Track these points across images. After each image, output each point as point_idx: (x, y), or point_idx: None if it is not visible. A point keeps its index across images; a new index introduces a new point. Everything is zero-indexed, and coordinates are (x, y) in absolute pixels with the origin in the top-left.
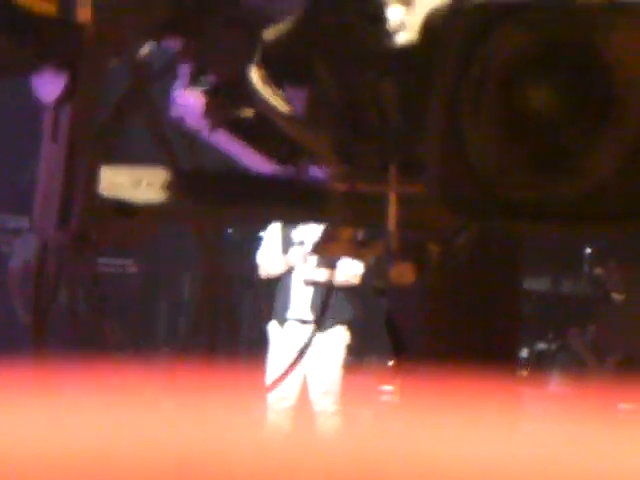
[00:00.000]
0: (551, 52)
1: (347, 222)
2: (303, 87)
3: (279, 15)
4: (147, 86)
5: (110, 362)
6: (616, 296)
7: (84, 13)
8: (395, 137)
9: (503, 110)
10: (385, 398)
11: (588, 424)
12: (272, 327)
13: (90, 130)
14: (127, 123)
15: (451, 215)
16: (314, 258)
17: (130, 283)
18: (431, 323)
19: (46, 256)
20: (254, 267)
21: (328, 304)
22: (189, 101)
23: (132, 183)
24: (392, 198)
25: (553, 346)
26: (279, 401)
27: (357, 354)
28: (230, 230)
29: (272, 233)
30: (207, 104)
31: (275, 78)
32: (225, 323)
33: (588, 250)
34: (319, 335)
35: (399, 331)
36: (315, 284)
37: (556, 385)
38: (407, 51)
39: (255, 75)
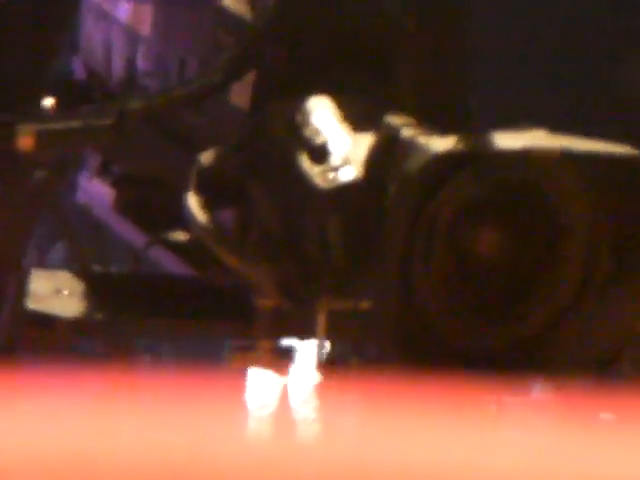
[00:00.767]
0: (499, 200)
1: (272, 336)
2: (241, 216)
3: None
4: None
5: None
6: None
7: (25, 142)
8: (338, 275)
9: (452, 258)
10: (368, 404)
11: (569, 432)
12: None
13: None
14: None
15: (402, 362)
16: None
17: None
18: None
19: None
20: None
21: None
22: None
23: (53, 292)
24: (322, 315)
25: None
26: (259, 408)
27: (337, 361)
28: None
29: None
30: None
31: (211, 204)
32: None
33: None
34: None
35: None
36: None
37: (537, 392)
38: (352, 189)
39: (191, 200)
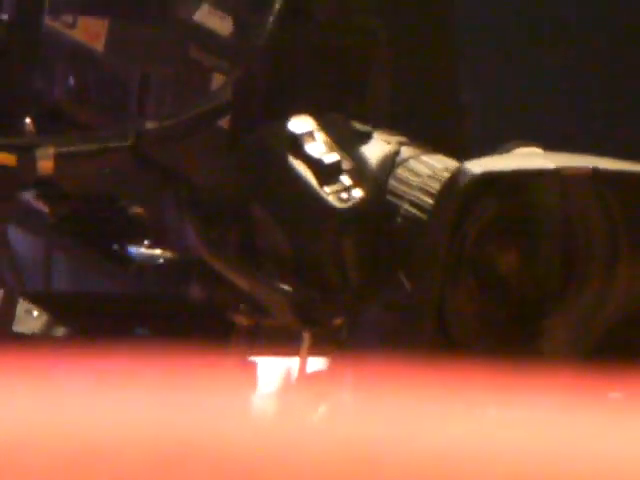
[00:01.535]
0: (520, 221)
1: (249, 354)
2: (243, 238)
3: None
4: None
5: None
6: None
7: (45, 166)
8: (354, 296)
9: (477, 280)
10: (379, 383)
11: (578, 412)
12: None
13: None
14: None
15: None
16: None
17: None
18: None
19: None
20: None
21: None
22: None
23: (24, 313)
24: (307, 334)
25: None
26: (268, 385)
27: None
28: None
29: None
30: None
31: (208, 224)
32: None
33: None
34: None
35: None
36: None
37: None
38: (367, 208)
39: (189, 220)
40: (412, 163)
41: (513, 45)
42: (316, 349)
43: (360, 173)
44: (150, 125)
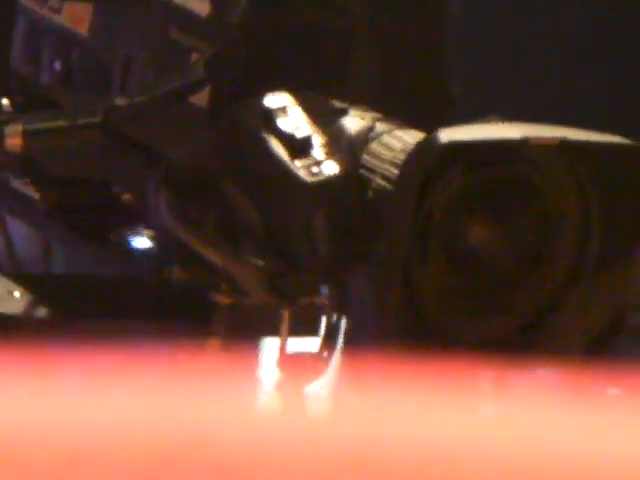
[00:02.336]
0: (489, 191)
1: (232, 335)
2: (217, 214)
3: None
4: None
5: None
6: None
7: (13, 142)
8: (326, 271)
9: (446, 252)
10: (378, 381)
11: (575, 407)
12: None
13: None
14: None
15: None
16: None
17: None
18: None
19: None
20: None
21: None
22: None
23: (5, 294)
24: (286, 313)
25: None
26: (271, 383)
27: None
28: None
29: None
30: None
31: (184, 202)
32: None
33: None
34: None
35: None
36: None
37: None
38: (337, 182)
39: (163, 197)
40: (385, 138)
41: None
42: (297, 329)
43: (333, 148)
44: (120, 101)
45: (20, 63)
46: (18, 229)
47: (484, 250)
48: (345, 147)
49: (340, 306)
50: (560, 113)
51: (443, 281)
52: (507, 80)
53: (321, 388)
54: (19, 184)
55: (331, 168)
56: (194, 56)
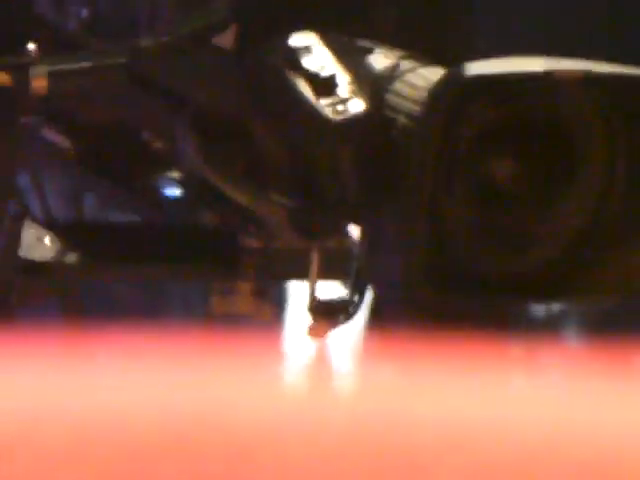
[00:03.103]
0: (518, 126)
1: (259, 279)
2: (244, 154)
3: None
4: None
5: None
6: None
7: (39, 84)
8: (354, 207)
9: (473, 187)
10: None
11: (604, 380)
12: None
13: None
14: None
15: (431, 296)
16: None
17: None
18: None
19: None
20: None
21: None
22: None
23: (35, 240)
24: (315, 255)
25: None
26: (294, 359)
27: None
28: None
29: None
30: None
31: (211, 143)
32: None
33: None
34: None
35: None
36: None
37: (573, 343)
38: (363, 120)
39: (191, 140)
40: (409, 76)
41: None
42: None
43: (358, 86)
44: (145, 43)
45: (46, 9)
46: (48, 177)
47: (509, 184)
48: (370, 85)
49: (369, 247)
50: None
51: (468, 215)
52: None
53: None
54: (49, 133)
55: (356, 106)
56: None
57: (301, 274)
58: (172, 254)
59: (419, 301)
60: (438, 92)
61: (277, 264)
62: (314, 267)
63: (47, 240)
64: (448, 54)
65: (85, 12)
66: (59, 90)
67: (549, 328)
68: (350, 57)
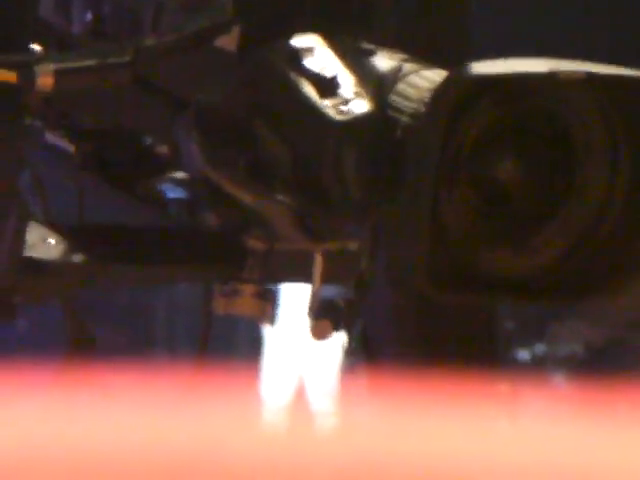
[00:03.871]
0: (520, 126)
1: (266, 280)
2: (247, 154)
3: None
4: None
5: (105, 364)
6: None
7: (45, 82)
8: (357, 208)
9: (475, 187)
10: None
11: (589, 424)
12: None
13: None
14: None
15: (434, 296)
16: None
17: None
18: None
19: None
20: None
21: None
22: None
23: (40, 240)
24: (318, 257)
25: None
26: (275, 400)
27: (355, 355)
28: None
29: None
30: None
31: (214, 143)
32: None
33: None
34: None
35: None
36: None
37: (558, 385)
38: (367, 121)
39: (194, 140)
40: (413, 77)
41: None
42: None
43: (361, 88)
44: (149, 42)
45: (51, 13)
46: (52, 180)
47: (512, 185)
48: (373, 87)
49: (372, 249)
50: None
51: (471, 216)
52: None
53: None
54: (54, 137)
55: (359, 107)
56: None
57: (305, 276)
58: (176, 256)
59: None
60: (442, 92)
61: (281, 265)
62: (318, 269)
63: (51, 240)
64: (449, 56)
65: (89, 15)
66: (65, 88)
67: (534, 369)
68: (353, 59)
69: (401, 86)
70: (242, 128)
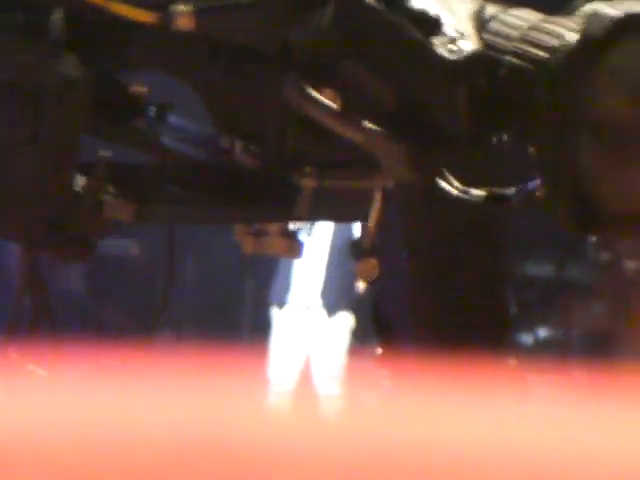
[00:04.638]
0: None
1: (316, 219)
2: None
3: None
4: None
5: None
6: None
7: (186, 21)
8: (467, 145)
9: (608, 131)
10: (388, 382)
11: (599, 408)
12: (275, 311)
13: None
14: None
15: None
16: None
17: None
18: (417, 310)
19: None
20: None
21: None
22: None
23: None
24: (377, 195)
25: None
26: (281, 384)
27: (361, 338)
28: None
29: None
30: None
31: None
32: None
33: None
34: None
35: (387, 319)
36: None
37: (563, 371)
38: (477, 59)
39: (299, 82)
40: (504, 16)
41: None
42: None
43: (458, 27)
44: None
45: None
46: None
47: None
48: (467, 27)
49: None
50: None
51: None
52: None
53: None
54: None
55: (467, 45)
56: None
57: (354, 214)
58: (230, 197)
59: None
60: (592, 31)
61: (331, 204)
62: (376, 207)
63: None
64: None
65: None
66: (203, 28)
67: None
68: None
69: (494, 25)
70: (333, 69)
